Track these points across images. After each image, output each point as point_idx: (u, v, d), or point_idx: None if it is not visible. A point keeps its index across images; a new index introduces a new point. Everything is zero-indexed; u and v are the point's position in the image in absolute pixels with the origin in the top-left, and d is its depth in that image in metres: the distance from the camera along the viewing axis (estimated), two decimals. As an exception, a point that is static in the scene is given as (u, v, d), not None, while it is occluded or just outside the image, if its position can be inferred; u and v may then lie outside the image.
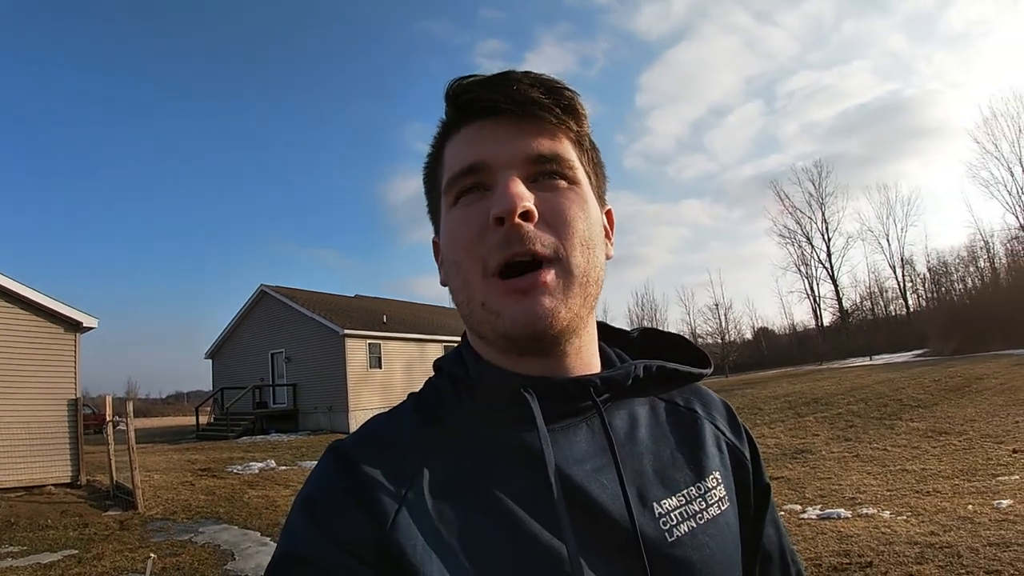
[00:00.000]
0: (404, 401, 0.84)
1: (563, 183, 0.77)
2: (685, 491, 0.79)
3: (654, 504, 0.76)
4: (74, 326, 12.77)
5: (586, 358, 0.82)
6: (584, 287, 0.75)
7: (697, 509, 0.79)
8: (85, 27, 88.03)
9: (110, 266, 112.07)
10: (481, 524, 0.69)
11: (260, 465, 14.87)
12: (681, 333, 0.98)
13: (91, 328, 13.11)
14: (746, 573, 0.84)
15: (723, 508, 0.82)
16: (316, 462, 0.77)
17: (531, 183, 0.75)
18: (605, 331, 0.94)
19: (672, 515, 0.76)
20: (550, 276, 0.72)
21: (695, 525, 0.77)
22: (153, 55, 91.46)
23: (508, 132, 0.76)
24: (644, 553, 0.70)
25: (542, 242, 0.72)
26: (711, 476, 0.83)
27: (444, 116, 0.82)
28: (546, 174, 0.76)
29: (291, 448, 19.08)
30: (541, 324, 0.72)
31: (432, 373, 0.87)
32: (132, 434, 10.69)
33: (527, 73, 0.77)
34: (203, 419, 27.35)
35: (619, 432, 0.80)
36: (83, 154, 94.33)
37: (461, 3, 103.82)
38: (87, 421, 14.01)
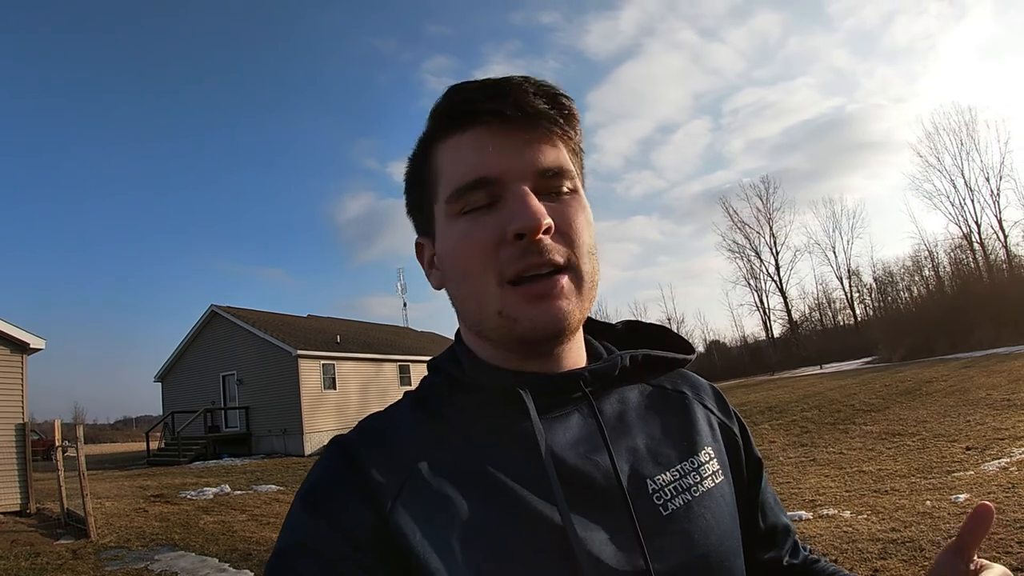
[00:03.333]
0: (400, 399, 0.87)
1: (567, 194, 0.79)
2: (679, 466, 0.82)
3: (648, 480, 0.79)
4: (21, 347, 12.38)
5: (576, 353, 0.85)
6: (590, 291, 0.79)
7: (691, 483, 0.81)
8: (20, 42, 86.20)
9: (50, 284, 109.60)
10: (479, 505, 0.71)
11: (214, 490, 14.50)
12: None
13: (38, 350, 12.73)
14: (745, 544, 0.87)
15: (717, 481, 0.85)
16: (271, 486, 0.78)
17: (539, 195, 0.76)
18: (591, 325, 0.97)
19: (666, 489, 0.79)
20: (565, 281, 0.75)
21: (690, 498, 0.80)
22: (92, 72, 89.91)
23: (516, 143, 0.76)
24: (636, 521, 0.73)
25: (558, 252, 0.75)
26: (703, 451, 0.86)
27: (438, 115, 0.81)
28: (552, 186, 0.78)
29: (245, 472, 18.70)
30: (559, 326, 0.75)
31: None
32: (83, 459, 10.35)
33: (527, 79, 0.78)
34: (153, 444, 26.83)
35: (610, 416, 0.83)
36: (22, 182, 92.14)
37: (407, 20, 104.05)
38: (35, 447, 13.60)
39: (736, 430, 0.96)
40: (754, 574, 0.91)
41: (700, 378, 1.01)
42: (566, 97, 0.79)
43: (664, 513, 0.76)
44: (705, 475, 0.83)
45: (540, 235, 0.73)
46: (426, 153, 0.83)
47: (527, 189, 0.74)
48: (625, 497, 0.74)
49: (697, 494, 0.80)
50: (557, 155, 0.78)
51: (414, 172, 0.86)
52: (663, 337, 0.98)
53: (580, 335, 0.87)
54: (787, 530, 0.99)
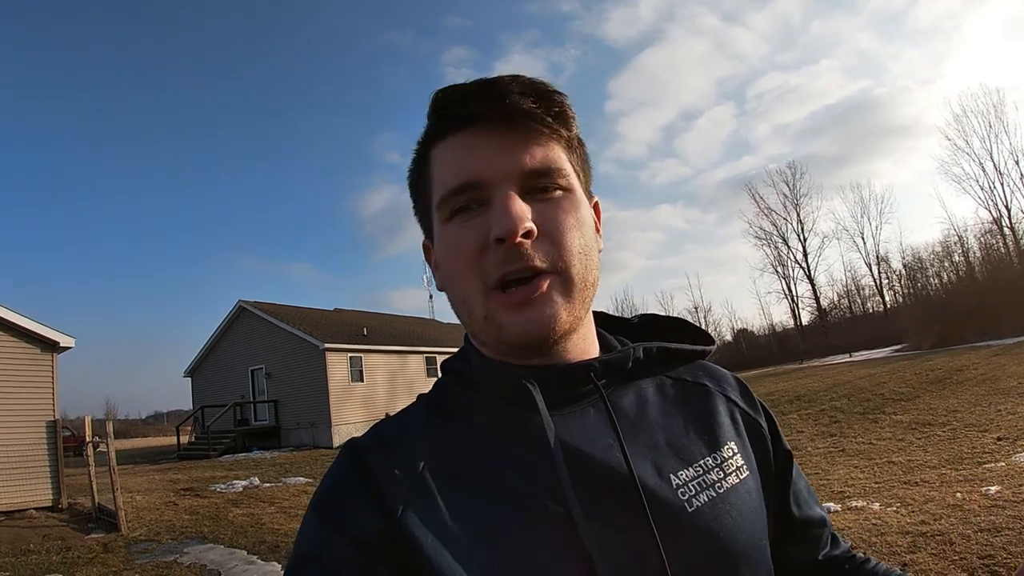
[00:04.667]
0: (415, 401, 0.86)
1: (557, 192, 0.77)
2: (701, 462, 0.80)
3: (671, 476, 0.77)
4: (51, 346, 12.54)
5: (584, 347, 0.83)
6: (583, 291, 0.77)
7: (715, 479, 0.79)
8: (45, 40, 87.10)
9: (82, 283, 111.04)
10: (490, 506, 0.70)
11: (243, 483, 14.66)
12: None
13: (68, 348, 12.87)
14: (779, 538, 0.85)
15: (742, 477, 0.83)
16: (300, 479, 0.78)
17: (525, 195, 0.75)
18: (605, 320, 0.95)
19: (690, 486, 0.77)
20: (547, 284, 0.74)
21: (715, 494, 0.78)
22: (117, 70, 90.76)
23: (499, 145, 0.75)
24: (651, 518, 0.71)
25: (540, 257, 0.73)
26: (726, 446, 0.84)
27: (428, 118, 0.80)
28: (540, 187, 0.76)
29: (274, 465, 18.89)
30: (542, 332, 0.74)
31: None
32: (113, 455, 10.54)
33: (516, 78, 0.76)
34: (184, 438, 27.14)
35: (627, 411, 0.81)
36: (53, 180, 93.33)
37: (425, 13, 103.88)
38: (66, 443, 13.77)
39: (763, 422, 0.94)
40: (790, 568, 0.90)
41: (723, 370, 0.98)
42: (557, 93, 0.78)
43: (689, 510, 0.75)
44: (729, 471, 0.81)
45: (519, 239, 0.72)
46: (422, 156, 0.83)
47: (511, 192, 0.73)
48: (640, 494, 0.72)
49: (721, 491, 0.78)
50: (545, 155, 0.76)
51: (413, 175, 0.86)
52: (682, 329, 0.97)
53: (589, 327, 0.85)
54: (822, 522, 0.96)
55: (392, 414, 0.85)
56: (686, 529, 0.73)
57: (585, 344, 0.83)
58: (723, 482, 0.79)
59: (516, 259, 0.72)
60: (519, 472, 0.73)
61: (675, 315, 1.00)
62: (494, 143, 0.75)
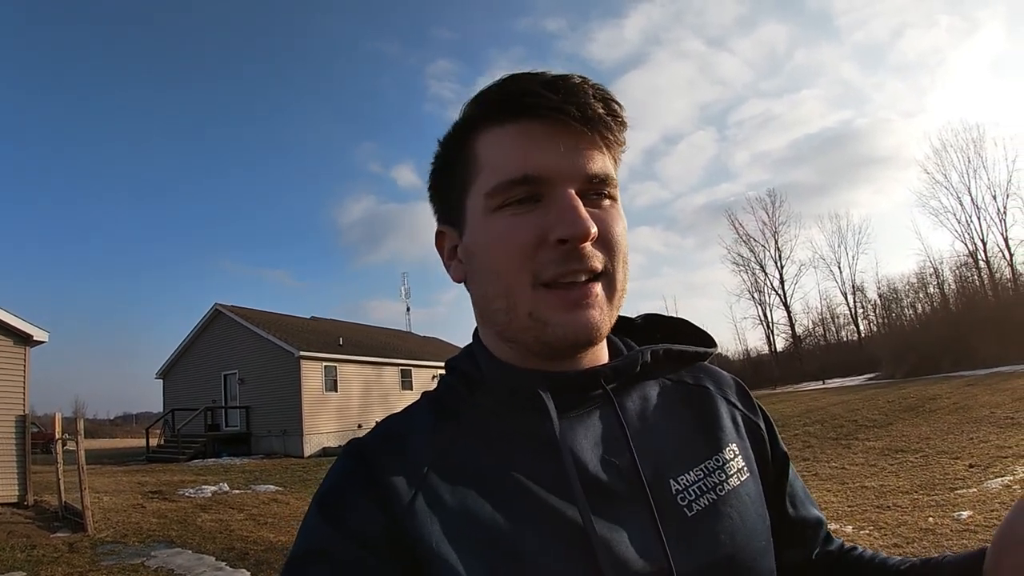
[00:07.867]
0: (418, 400, 0.86)
1: (607, 201, 0.78)
2: (702, 465, 0.80)
3: (671, 480, 0.77)
4: (24, 339, 12.38)
5: (597, 351, 0.83)
6: (620, 299, 0.79)
7: (716, 481, 0.80)
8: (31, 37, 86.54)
9: (56, 278, 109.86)
10: (497, 508, 0.70)
11: (212, 488, 14.47)
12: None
13: (41, 342, 12.72)
14: (777, 540, 0.84)
15: (743, 479, 0.83)
16: (270, 486, 0.77)
17: (582, 199, 0.74)
18: None
19: (690, 490, 0.77)
20: (598, 288, 0.74)
21: (715, 497, 0.78)
22: (101, 69, 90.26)
23: (570, 145, 0.74)
24: (659, 522, 0.71)
25: (597, 259, 0.74)
26: (728, 448, 0.84)
27: (487, 102, 0.77)
28: (596, 192, 0.76)
29: (244, 472, 18.67)
30: (589, 334, 0.74)
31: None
32: (82, 454, 10.36)
33: (586, 79, 0.76)
34: (153, 441, 26.85)
35: (631, 414, 0.82)
36: (31, 176, 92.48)
37: (412, 24, 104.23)
38: (34, 439, 13.60)
39: (761, 424, 0.94)
40: (788, 570, 0.89)
41: (722, 371, 0.98)
42: (619, 104, 0.77)
43: (689, 514, 0.75)
44: (730, 473, 0.81)
45: (584, 243, 0.72)
46: (465, 139, 0.79)
47: (575, 195, 0.73)
48: (648, 498, 0.73)
49: (722, 493, 0.79)
50: (604, 162, 0.76)
51: (447, 157, 0.83)
52: (683, 330, 0.97)
53: None
54: (819, 522, 0.97)
55: (392, 414, 0.84)
56: (687, 533, 0.73)
57: (599, 349, 0.84)
58: (724, 485, 0.80)
59: (576, 260, 0.72)
60: (527, 475, 0.72)
61: (677, 315, 1.00)
62: (565, 141, 0.73)
